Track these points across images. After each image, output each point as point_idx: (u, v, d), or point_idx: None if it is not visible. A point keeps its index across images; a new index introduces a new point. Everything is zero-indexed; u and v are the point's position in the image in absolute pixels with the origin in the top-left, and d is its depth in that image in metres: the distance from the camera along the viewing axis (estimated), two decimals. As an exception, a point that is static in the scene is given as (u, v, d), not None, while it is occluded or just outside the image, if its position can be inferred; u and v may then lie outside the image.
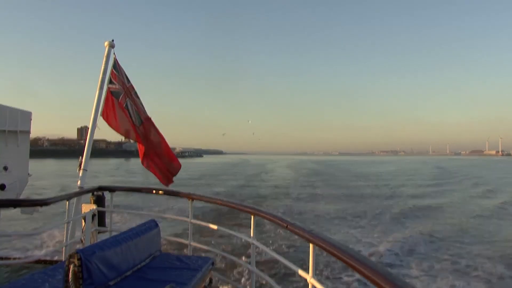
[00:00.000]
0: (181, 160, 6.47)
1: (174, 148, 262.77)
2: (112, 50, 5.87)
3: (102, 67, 5.75)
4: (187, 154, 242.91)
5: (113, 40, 5.91)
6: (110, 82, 5.85)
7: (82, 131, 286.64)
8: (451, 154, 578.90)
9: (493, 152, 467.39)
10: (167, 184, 6.06)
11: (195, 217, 4.92)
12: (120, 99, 5.93)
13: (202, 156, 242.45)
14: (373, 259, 10.67)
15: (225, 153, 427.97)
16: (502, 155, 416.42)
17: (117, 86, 5.91)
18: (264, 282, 8.26)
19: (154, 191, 6.15)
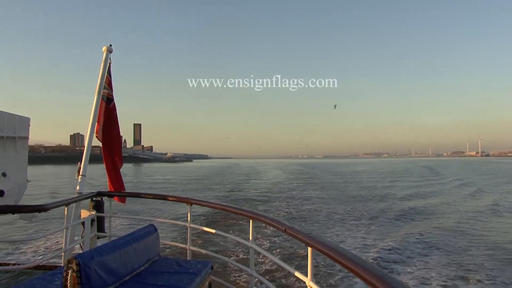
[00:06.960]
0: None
1: (166, 153, 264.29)
2: (110, 55, 5.86)
3: (100, 73, 5.70)
4: (178, 159, 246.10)
5: (111, 45, 5.85)
6: (104, 87, 5.77)
7: (74, 137, 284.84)
8: (433, 155, 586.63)
9: (473, 153, 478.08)
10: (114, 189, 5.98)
11: (194, 221, 4.91)
12: (111, 105, 5.92)
13: (192, 161, 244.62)
14: (371, 261, 10.66)
15: (211, 158, 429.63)
16: (482, 155, 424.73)
17: (110, 92, 5.90)
18: (263, 285, 8.25)
19: (152, 196, 6.15)
